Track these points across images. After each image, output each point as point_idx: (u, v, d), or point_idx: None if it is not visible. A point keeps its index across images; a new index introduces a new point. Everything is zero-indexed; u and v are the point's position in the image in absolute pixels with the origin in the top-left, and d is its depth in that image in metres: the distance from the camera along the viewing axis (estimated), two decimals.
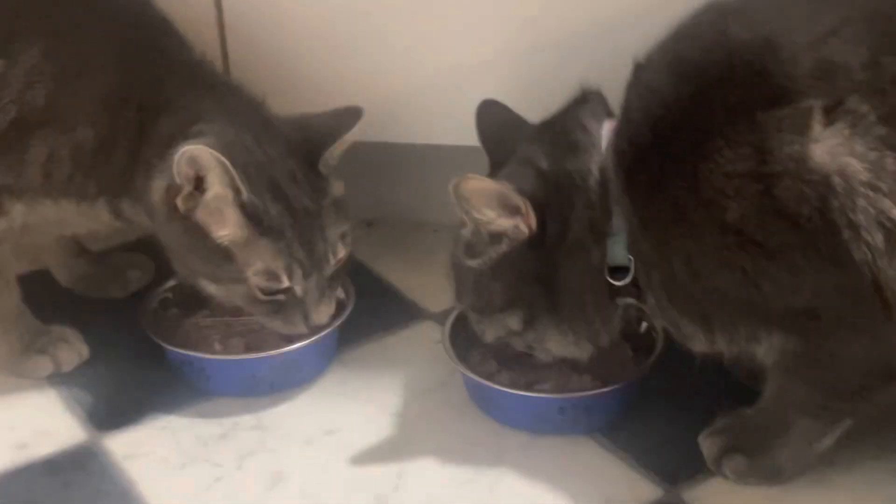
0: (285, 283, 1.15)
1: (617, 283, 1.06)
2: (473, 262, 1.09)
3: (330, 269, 1.18)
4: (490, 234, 1.07)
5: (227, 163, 1.08)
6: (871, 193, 0.91)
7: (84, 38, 1.16)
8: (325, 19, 1.38)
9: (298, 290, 1.16)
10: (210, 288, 1.18)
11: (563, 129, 1.09)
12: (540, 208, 1.04)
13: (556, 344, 1.11)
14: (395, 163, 1.51)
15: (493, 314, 1.11)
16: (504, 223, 1.05)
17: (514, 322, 1.10)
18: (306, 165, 1.17)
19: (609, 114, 1.09)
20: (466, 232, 1.09)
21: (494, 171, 1.15)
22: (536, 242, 1.06)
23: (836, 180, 0.92)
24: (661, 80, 1.00)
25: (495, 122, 1.18)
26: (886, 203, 0.91)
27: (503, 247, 1.07)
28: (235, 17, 1.40)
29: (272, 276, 1.14)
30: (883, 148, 0.91)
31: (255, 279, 1.14)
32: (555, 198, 1.05)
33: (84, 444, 1.17)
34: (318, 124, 1.20)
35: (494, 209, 1.04)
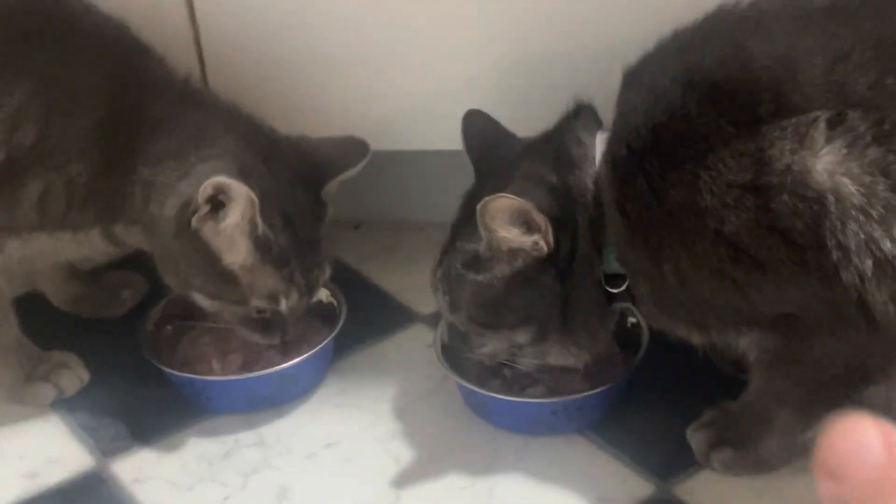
0: (283, 307, 1.18)
1: (614, 291, 1.07)
2: (479, 277, 1.09)
3: (318, 291, 1.21)
4: (508, 252, 1.06)
5: (256, 200, 1.09)
6: (862, 218, 0.91)
7: (67, 75, 1.16)
8: (303, 31, 1.39)
9: (285, 309, 1.19)
10: (205, 303, 1.20)
11: (560, 144, 1.09)
12: (555, 225, 1.05)
13: (558, 356, 1.13)
14: (378, 165, 1.53)
15: (502, 329, 1.12)
16: (525, 240, 1.05)
17: (522, 337, 1.11)
18: (311, 194, 1.20)
19: (600, 126, 1.10)
20: (471, 246, 1.09)
21: (480, 179, 1.17)
22: (551, 260, 1.06)
23: (831, 200, 0.92)
24: (666, 85, 1.00)
25: (480, 131, 1.19)
26: (877, 231, 0.91)
27: (518, 263, 1.07)
28: (211, 35, 1.41)
29: (273, 299, 1.17)
30: (876, 172, 0.91)
31: (257, 302, 1.17)
32: (564, 214, 1.06)
33: (93, 470, 1.20)
34: (324, 153, 1.23)
35: (517, 226, 1.04)
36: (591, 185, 1.06)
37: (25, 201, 1.15)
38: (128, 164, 1.16)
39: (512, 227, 1.04)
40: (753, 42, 0.98)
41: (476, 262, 1.09)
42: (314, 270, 1.19)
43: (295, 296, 1.18)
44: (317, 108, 1.41)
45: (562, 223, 1.06)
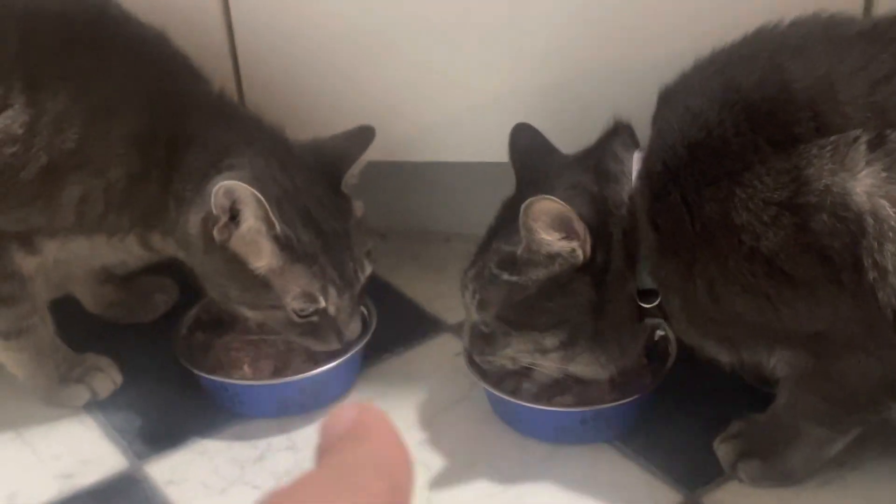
0: (321, 304, 1.19)
1: (646, 306, 1.09)
2: (514, 278, 1.10)
3: (359, 285, 1.23)
4: (546, 256, 1.08)
5: (262, 198, 1.12)
6: None
7: (110, 81, 1.19)
8: (337, 42, 1.41)
9: (332, 309, 1.21)
10: (248, 314, 1.23)
11: (599, 160, 1.11)
12: (594, 235, 1.07)
13: (584, 365, 1.15)
14: (405, 175, 1.55)
15: (531, 332, 1.13)
16: (563, 246, 1.06)
17: (550, 341, 1.12)
18: (330, 189, 1.22)
19: (637, 145, 1.12)
20: (509, 247, 1.10)
21: (522, 189, 1.18)
22: (587, 268, 1.08)
23: (869, 221, 0.93)
24: (704, 104, 1.01)
25: (527, 144, 1.21)
26: None
27: (555, 268, 1.08)
28: (247, 45, 1.43)
29: (309, 298, 1.19)
30: None
31: (294, 303, 1.19)
32: (601, 226, 1.08)
33: (126, 471, 1.21)
34: (335, 147, 1.25)
35: (557, 231, 1.06)
36: (626, 200, 1.08)
37: (65, 204, 1.17)
38: (165, 175, 1.19)
39: (553, 230, 1.06)
40: (793, 62, 1.00)
41: (512, 264, 1.10)
42: (347, 264, 1.20)
43: (333, 291, 1.19)
44: (349, 118, 1.42)
45: (599, 234, 1.07)
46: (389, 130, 1.43)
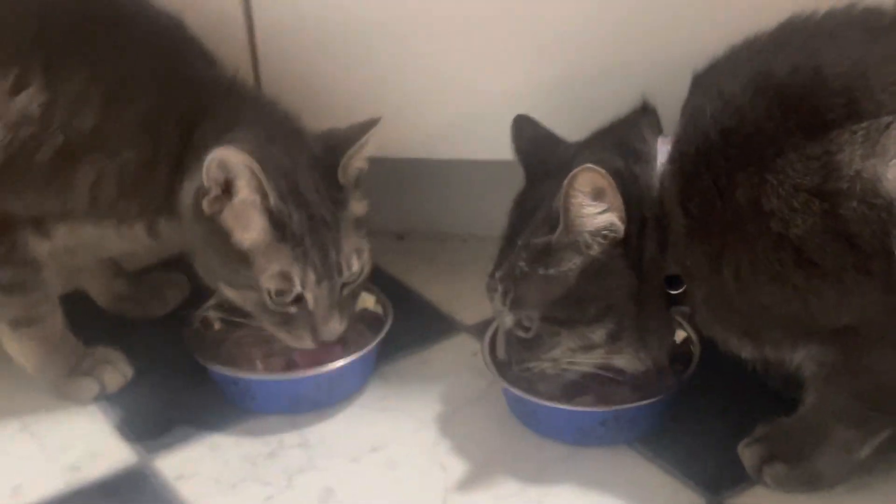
0: (297, 288, 1.16)
1: (674, 293, 1.06)
2: (550, 271, 1.07)
3: (341, 279, 1.19)
4: (588, 234, 1.04)
5: (257, 167, 1.10)
6: None
7: (126, 63, 1.18)
8: (356, 39, 1.40)
9: (310, 298, 1.17)
10: (228, 293, 1.21)
11: (626, 138, 1.09)
12: (627, 212, 1.04)
13: (628, 358, 1.12)
14: (421, 175, 1.53)
15: (579, 326, 1.09)
16: (605, 219, 1.03)
17: (598, 335, 1.09)
18: (328, 176, 1.20)
19: (661, 132, 1.10)
20: (540, 239, 1.07)
21: (532, 182, 1.16)
22: (624, 247, 1.05)
23: None
24: (736, 90, 1.00)
25: (531, 135, 1.19)
26: None
27: (594, 250, 1.05)
28: (267, 36, 1.42)
29: (286, 278, 1.16)
30: None
31: (269, 282, 1.16)
32: (634, 204, 1.05)
33: (136, 465, 1.19)
34: (337, 135, 1.23)
35: (599, 202, 1.03)
36: (657, 184, 1.05)
37: (79, 186, 1.16)
38: (175, 156, 1.18)
39: (596, 201, 1.03)
40: (826, 49, 0.99)
41: (546, 256, 1.07)
42: (331, 253, 1.17)
43: (312, 277, 1.16)
44: (365, 112, 1.41)
45: (631, 213, 1.05)
46: (407, 126, 1.42)
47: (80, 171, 1.16)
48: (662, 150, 1.06)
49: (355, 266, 1.21)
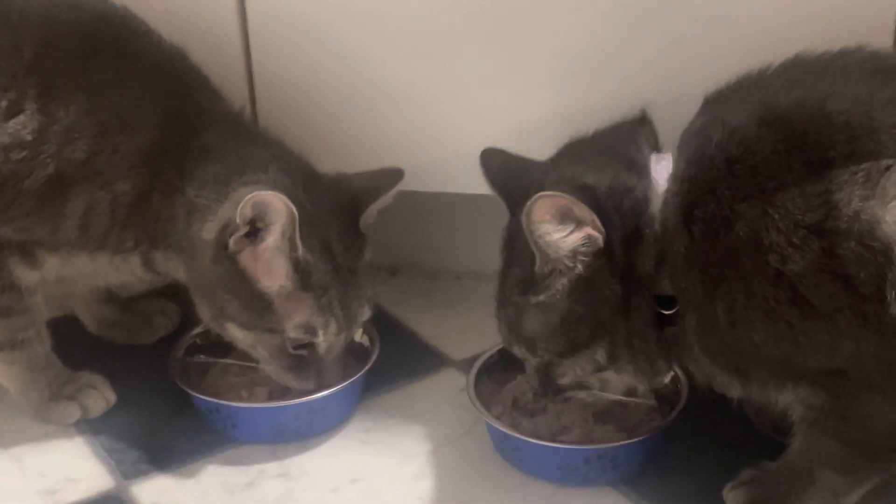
0: (319, 339, 1.16)
1: (666, 313, 1.04)
2: (540, 297, 1.06)
3: (356, 329, 1.19)
4: (565, 257, 1.03)
5: (296, 215, 1.08)
6: None
7: (125, 94, 1.17)
8: (353, 76, 1.40)
9: (323, 347, 1.17)
10: (237, 334, 1.19)
11: (619, 145, 1.08)
12: (604, 216, 1.02)
13: (626, 380, 1.11)
14: (417, 210, 1.53)
15: (577, 352, 1.07)
16: (577, 237, 1.01)
17: (600, 355, 1.07)
18: (349, 223, 1.19)
19: (657, 148, 1.09)
20: (522, 269, 1.06)
21: (513, 212, 1.13)
22: (607, 257, 1.03)
23: None
24: (741, 120, 1.00)
25: (501, 164, 1.17)
26: None
27: (578, 269, 1.03)
28: (263, 68, 1.42)
29: (310, 330, 1.15)
30: None
31: (293, 332, 1.15)
32: (614, 209, 1.03)
33: (111, 491, 1.18)
34: (360, 183, 1.22)
35: (566, 224, 1.01)
36: (654, 198, 1.03)
37: (69, 217, 1.15)
38: (175, 186, 1.17)
39: (561, 225, 1.01)
40: (832, 87, 0.99)
41: (534, 284, 1.05)
42: (353, 304, 1.17)
43: (333, 328, 1.16)
44: (362, 148, 1.41)
45: (611, 217, 1.02)
46: (402, 162, 1.41)
47: (70, 200, 1.15)
48: (661, 167, 1.05)
49: (368, 314, 1.21)
